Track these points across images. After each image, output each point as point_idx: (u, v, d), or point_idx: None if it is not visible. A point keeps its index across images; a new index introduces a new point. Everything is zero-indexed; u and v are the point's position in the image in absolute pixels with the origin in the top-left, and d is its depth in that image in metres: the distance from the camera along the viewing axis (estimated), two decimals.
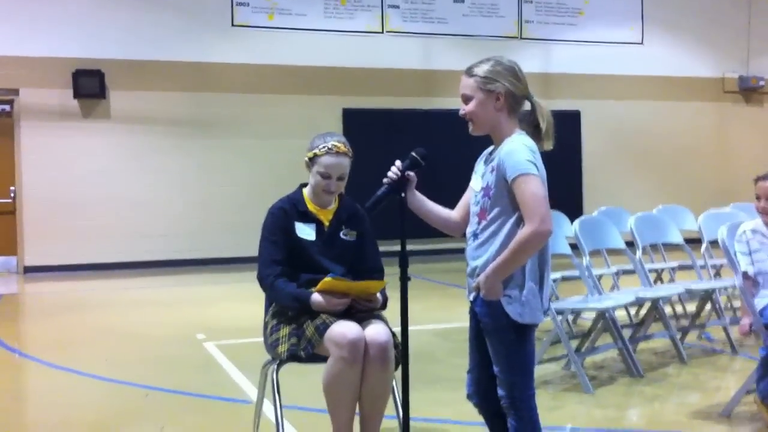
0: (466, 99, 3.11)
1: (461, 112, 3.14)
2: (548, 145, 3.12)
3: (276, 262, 3.84)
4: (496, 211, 3.05)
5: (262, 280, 3.87)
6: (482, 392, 3.24)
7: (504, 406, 3.11)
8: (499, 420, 3.20)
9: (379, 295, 3.84)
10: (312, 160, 3.88)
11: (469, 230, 3.18)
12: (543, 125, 3.10)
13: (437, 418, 4.67)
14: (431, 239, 7.53)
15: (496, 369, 3.11)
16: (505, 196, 3.01)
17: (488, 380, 3.16)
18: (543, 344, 5.75)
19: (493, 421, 3.27)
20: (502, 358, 3.09)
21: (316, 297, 3.70)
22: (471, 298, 3.16)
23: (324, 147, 3.84)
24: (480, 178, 3.15)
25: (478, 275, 3.06)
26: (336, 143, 3.86)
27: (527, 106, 3.12)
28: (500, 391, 3.11)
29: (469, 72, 3.12)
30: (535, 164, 2.98)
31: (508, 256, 2.96)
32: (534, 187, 2.94)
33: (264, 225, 3.94)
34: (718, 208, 7.15)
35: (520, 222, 2.98)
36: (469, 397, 3.32)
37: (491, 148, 3.16)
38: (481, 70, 3.08)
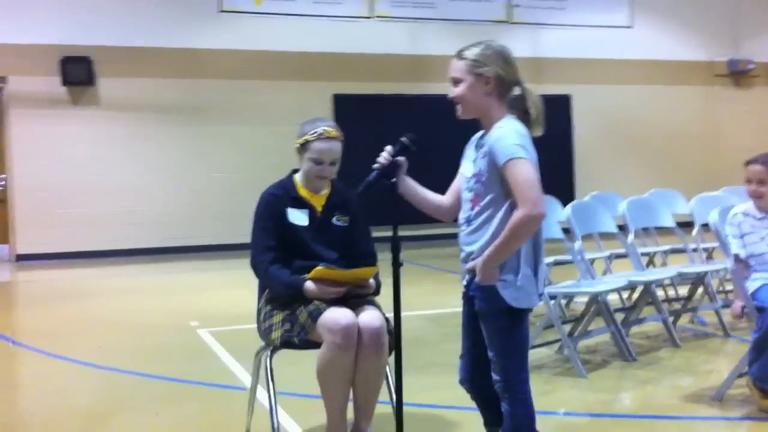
0: (456, 82, 3.10)
1: (450, 95, 3.13)
2: (537, 132, 3.11)
3: (269, 249, 3.82)
4: (489, 197, 3.04)
5: (256, 267, 3.86)
6: (475, 377, 3.25)
7: (498, 390, 3.12)
8: (491, 405, 3.21)
9: (372, 280, 3.83)
10: (303, 147, 3.85)
11: (461, 216, 3.17)
12: (533, 112, 3.09)
13: (431, 404, 4.68)
14: (423, 225, 7.55)
15: (490, 353, 3.11)
16: (497, 181, 3.01)
17: (481, 365, 3.17)
18: (536, 329, 5.75)
19: (486, 406, 3.28)
20: (497, 342, 3.09)
21: (310, 285, 3.69)
22: (465, 282, 3.17)
23: (315, 132, 3.82)
24: (471, 164, 3.14)
25: (473, 260, 3.06)
26: (327, 128, 3.84)
27: (517, 91, 3.11)
28: (494, 375, 3.11)
29: (459, 55, 3.11)
30: (524, 147, 2.97)
31: (503, 241, 2.95)
32: (525, 171, 2.93)
33: (256, 211, 3.93)
34: (710, 192, 7.16)
35: (513, 207, 2.97)
36: (462, 382, 3.32)
37: (481, 132, 3.15)
38: (472, 53, 3.07)
